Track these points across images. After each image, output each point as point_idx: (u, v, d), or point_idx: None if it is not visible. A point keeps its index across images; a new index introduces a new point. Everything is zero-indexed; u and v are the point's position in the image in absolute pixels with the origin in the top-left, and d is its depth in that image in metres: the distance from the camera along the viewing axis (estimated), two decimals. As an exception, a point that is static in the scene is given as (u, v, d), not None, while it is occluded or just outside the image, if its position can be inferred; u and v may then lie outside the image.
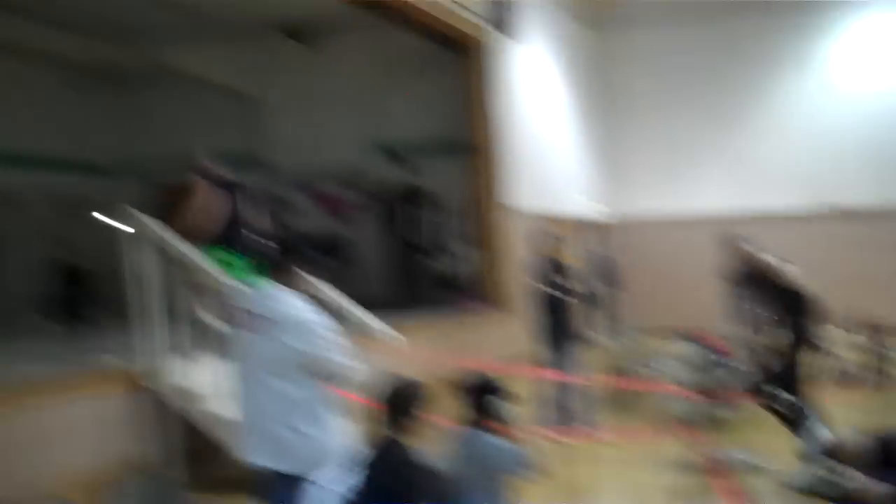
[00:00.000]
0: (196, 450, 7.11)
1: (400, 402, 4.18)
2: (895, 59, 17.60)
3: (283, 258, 4.34)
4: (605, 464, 7.96)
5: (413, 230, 13.53)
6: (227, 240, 7.85)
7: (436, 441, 7.00)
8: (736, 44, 18.18)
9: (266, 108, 16.12)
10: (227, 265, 7.50)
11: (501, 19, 14.35)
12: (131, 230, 7.17)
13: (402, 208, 13.69)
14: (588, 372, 9.09)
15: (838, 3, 17.71)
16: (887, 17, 17.64)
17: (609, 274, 17.31)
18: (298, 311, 4.21)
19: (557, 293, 8.70)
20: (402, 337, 7.30)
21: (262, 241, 7.84)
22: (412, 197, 14.00)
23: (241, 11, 14.46)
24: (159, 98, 16.85)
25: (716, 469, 5.78)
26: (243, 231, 8.03)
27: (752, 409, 9.26)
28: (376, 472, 4.10)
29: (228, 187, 8.15)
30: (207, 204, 7.81)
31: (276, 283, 4.29)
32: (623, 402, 10.25)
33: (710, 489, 6.08)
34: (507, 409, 4.68)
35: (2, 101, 14.73)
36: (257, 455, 4.34)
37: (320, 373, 4.19)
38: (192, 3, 13.82)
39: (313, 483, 4.29)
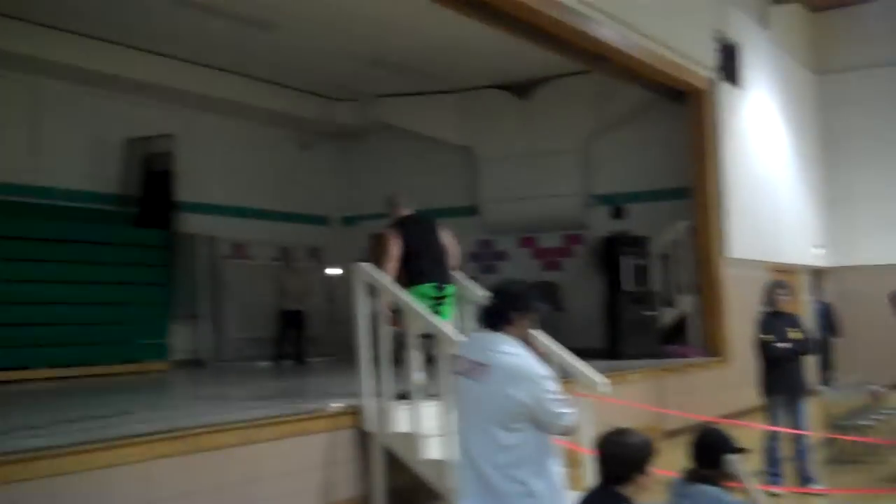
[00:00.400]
0: (407, 491, 7.30)
1: (618, 453, 4.03)
2: None
3: (506, 307, 4.28)
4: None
5: (628, 278, 13.41)
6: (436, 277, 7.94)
7: (654, 495, 6.91)
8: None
9: (482, 160, 16.48)
10: (436, 307, 7.66)
11: (726, 66, 14.18)
12: (355, 278, 7.51)
13: (617, 256, 13.60)
14: (811, 425, 8.70)
15: None
16: None
17: (830, 321, 16.60)
18: (520, 359, 4.18)
19: (782, 343, 8.42)
20: (608, 384, 7.24)
21: (484, 290, 7.99)
22: (628, 245, 13.89)
23: (460, 68, 14.94)
24: (380, 153, 17.59)
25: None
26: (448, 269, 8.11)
27: None
28: None
29: (416, 225, 8.23)
30: (388, 247, 7.92)
31: (497, 331, 4.27)
32: (846, 457, 9.75)
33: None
34: (736, 464, 4.50)
35: (238, 160, 15.84)
36: (475, 501, 4.37)
37: (539, 422, 4.16)
38: (409, 62, 14.42)
39: None
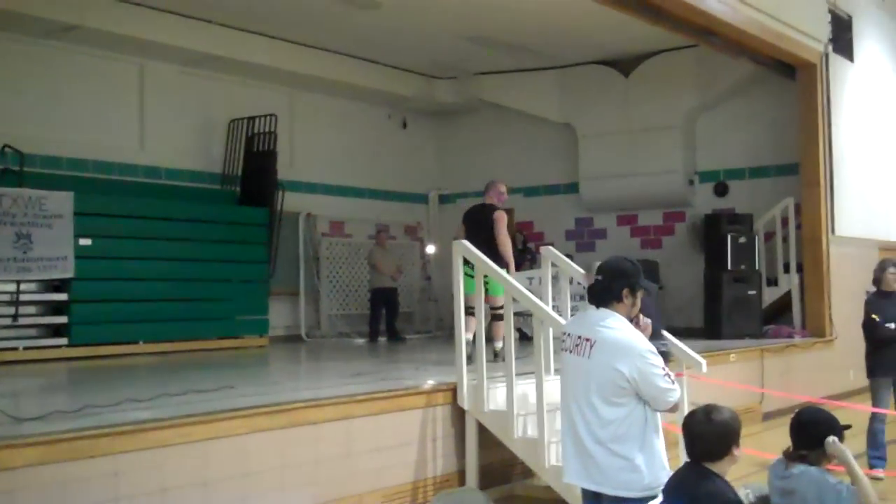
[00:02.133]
0: (499, 467, 7.32)
1: (706, 431, 4.01)
2: None
3: (614, 284, 4.35)
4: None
5: (730, 256, 13.14)
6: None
7: (752, 474, 6.79)
8: None
9: (583, 138, 16.33)
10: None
11: (839, 39, 13.75)
12: (454, 254, 7.56)
13: (719, 234, 13.34)
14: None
15: None
16: None
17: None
18: (626, 333, 4.26)
19: (892, 325, 8.17)
20: (705, 363, 7.13)
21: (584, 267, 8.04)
22: (730, 222, 13.61)
23: (561, 44, 14.79)
24: (479, 131, 17.58)
25: None
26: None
27: None
28: (679, 499, 4.01)
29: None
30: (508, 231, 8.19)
31: (606, 309, 4.34)
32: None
33: None
34: (839, 446, 4.41)
35: (338, 138, 16.03)
36: (578, 476, 4.42)
37: (644, 396, 4.21)
38: (510, 38, 14.33)
39: None
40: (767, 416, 10.83)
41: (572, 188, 16.52)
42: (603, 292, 4.38)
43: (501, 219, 9.25)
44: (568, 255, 8.66)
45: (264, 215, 13.44)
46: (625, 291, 4.34)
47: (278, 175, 13.72)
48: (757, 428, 10.13)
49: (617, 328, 4.27)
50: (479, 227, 9.19)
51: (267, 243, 13.44)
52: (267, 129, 13.80)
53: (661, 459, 4.30)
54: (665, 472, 4.28)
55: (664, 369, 4.24)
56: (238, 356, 11.90)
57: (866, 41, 14.80)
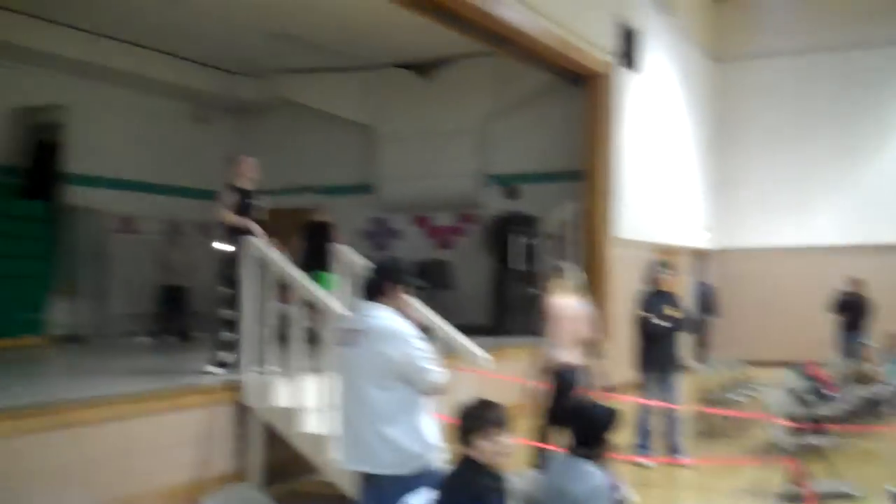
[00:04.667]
0: (282, 465, 7.36)
1: (476, 422, 4.17)
2: None
3: (383, 280, 4.68)
4: (692, 490, 7.93)
5: (518, 257, 13.63)
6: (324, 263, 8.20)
7: (525, 463, 7.09)
8: (858, 75, 17.88)
9: (381, 139, 16.51)
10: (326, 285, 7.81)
11: (626, 51, 14.44)
12: (243, 251, 7.52)
13: (509, 236, 13.82)
14: (683, 399, 9.05)
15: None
16: None
17: (709, 302, 17.23)
18: (392, 322, 4.55)
19: (660, 321, 8.70)
20: (491, 359, 7.40)
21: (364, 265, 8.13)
22: (519, 224, 14.12)
23: (364, 45, 14.88)
24: (279, 129, 17.45)
25: (810, 499, 5.69)
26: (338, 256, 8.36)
27: (849, 440, 9.11)
28: (449, 490, 4.14)
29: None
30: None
31: (376, 303, 4.63)
32: (715, 430, 10.17)
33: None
34: (608, 435, 4.67)
35: (132, 132, 15.50)
36: (354, 460, 4.63)
37: (408, 379, 4.46)
38: (313, 37, 14.31)
39: (399, 486, 4.43)
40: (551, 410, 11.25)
41: (369, 188, 16.68)
42: (372, 287, 4.71)
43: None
44: (366, 256, 8.75)
45: (43, 209, 12.85)
46: (389, 286, 4.67)
47: (66, 168, 13.16)
48: (538, 421, 10.53)
49: (384, 317, 4.58)
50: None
51: (48, 239, 12.87)
52: (54, 120, 13.21)
53: (431, 439, 4.56)
54: (435, 452, 4.56)
55: (428, 352, 4.56)
56: (13, 356, 11.34)
57: (653, 54, 15.63)
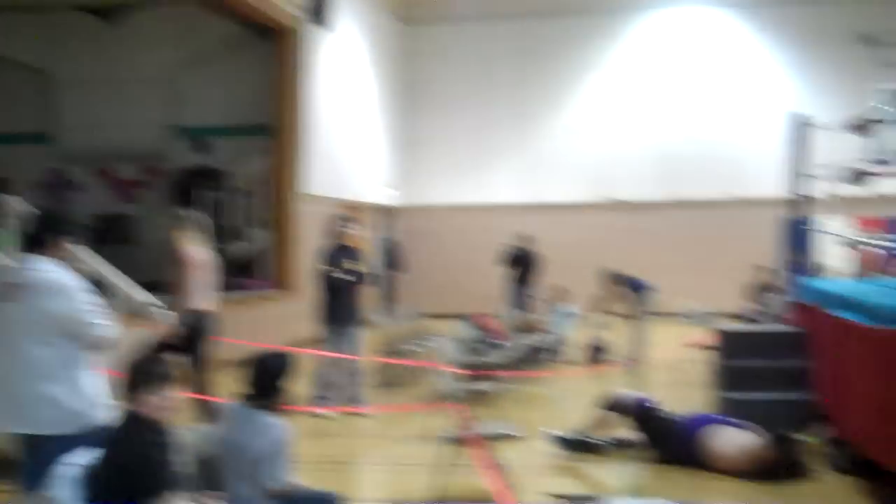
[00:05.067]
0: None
1: (142, 377, 4.04)
2: (676, 65, 18.81)
3: (44, 231, 4.48)
4: (370, 438, 8.24)
5: (206, 211, 13.40)
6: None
7: (196, 417, 7.09)
8: (532, 44, 19.03)
9: (59, 85, 15.56)
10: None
11: (316, 8, 14.45)
12: None
13: (196, 189, 13.57)
14: (363, 351, 9.35)
15: (628, 8, 18.77)
16: (673, 23, 18.83)
17: (394, 257, 17.88)
18: (56, 275, 4.37)
19: (342, 275, 8.87)
20: (171, 314, 7.32)
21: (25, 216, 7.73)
22: (207, 178, 13.91)
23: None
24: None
25: (474, 440, 6.12)
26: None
27: (515, 386, 9.87)
28: (113, 447, 4.04)
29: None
30: None
31: (38, 255, 4.42)
32: (394, 380, 10.64)
33: (468, 459, 6.46)
34: (283, 384, 4.69)
35: None
36: (9, 422, 4.42)
37: (73, 334, 4.32)
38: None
39: (62, 445, 4.28)
40: (234, 365, 11.26)
41: (46, 138, 15.73)
42: (33, 240, 4.51)
43: None
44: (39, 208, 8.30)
45: None
46: (51, 238, 4.49)
47: None
48: (226, 377, 10.52)
49: (46, 270, 4.39)
50: None
51: None
52: None
53: (95, 396, 4.43)
54: (101, 409, 4.40)
55: (95, 305, 4.42)
56: None
57: (344, 13, 15.74)
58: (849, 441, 6.23)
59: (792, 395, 7.50)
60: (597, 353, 12.03)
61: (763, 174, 15.48)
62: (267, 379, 4.70)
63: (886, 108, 8.21)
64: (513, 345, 10.77)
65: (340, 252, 9.03)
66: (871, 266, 12.00)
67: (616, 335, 12.18)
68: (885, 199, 15.21)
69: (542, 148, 19.10)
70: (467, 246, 18.91)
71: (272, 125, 14.24)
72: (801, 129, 8.71)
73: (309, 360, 9.38)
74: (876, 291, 6.84)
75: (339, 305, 8.92)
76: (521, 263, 14.64)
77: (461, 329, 9.48)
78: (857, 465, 6.09)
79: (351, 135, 16.51)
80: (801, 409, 7.33)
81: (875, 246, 11.18)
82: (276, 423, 4.55)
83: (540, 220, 17.78)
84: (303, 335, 12.71)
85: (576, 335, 12.56)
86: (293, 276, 13.74)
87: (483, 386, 8.20)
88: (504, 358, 10.11)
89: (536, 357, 11.41)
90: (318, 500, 4.69)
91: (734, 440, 6.43)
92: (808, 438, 6.70)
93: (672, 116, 18.71)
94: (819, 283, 8.45)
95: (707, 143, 18.46)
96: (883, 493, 5.68)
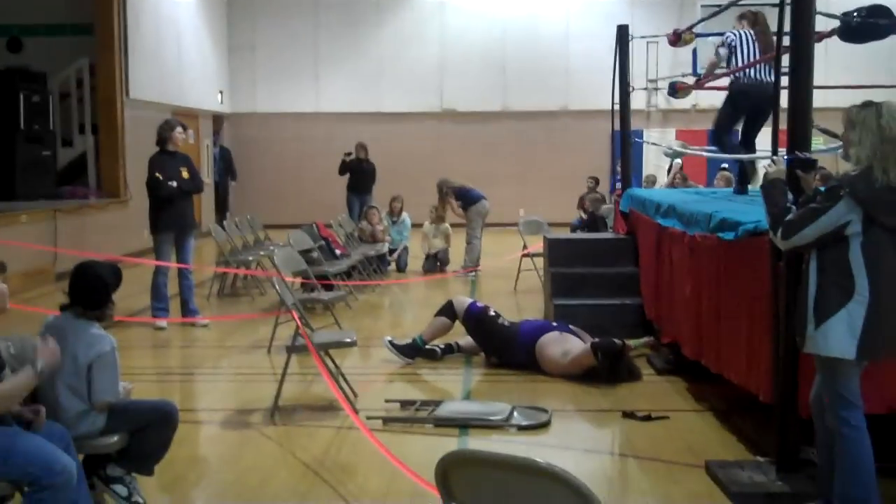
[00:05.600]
0: None
1: None
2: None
3: None
4: (210, 348, 8.17)
5: (23, 116, 12.72)
6: None
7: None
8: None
9: None
10: None
11: None
12: None
13: (12, 92, 12.79)
14: (196, 260, 9.22)
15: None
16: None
17: (227, 165, 17.60)
18: None
19: (173, 183, 8.63)
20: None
21: None
22: (24, 81, 13.12)
23: None
24: None
25: (313, 349, 6.15)
26: None
27: (353, 294, 9.98)
28: None
29: None
30: None
31: None
32: (232, 289, 10.57)
33: (307, 368, 6.51)
34: (110, 295, 4.54)
35: None
36: None
37: None
38: None
39: None
40: (61, 277, 10.90)
41: None
42: None
43: None
44: None
45: None
46: None
47: None
48: (50, 288, 10.19)
49: None
50: None
51: None
52: None
53: None
54: None
55: None
56: None
57: None
58: (673, 343, 6.58)
59: (620, 301, 7.84)
60: (434, 262, 12.23)
61: (596, 86, 15.83)
62: (92, 289, 4.50)
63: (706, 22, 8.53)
64: (351, 254, 10.84)
65: (170, 158, 8.78)
66: (690, 176, 12.62)
67: (452, 244, 12.41)
68: (703, 113, 16.01)
69: (377, 56, 18.95)
70: (304, 154, 18.73)
71: (92, 24, 13.52)
72: (625, 41, 8.91)
73: (142, 271, 9.18)
74: (693, 200, 7.19)
75: (169, 214, 8.70)
76: (358, 172, 14.61)
77: (299, 238, 9.43)
78: (681, 366, 6.46)
79: (178, 38, 15.91)
80: (630, 314, 7.67)
81: (694, 156, 11.71)
82: (102, 335, 4.38)
83: (376, 129, 17.73)
84: (134, 245, 12.41)
85: (413, 244, 12.73)
86: (122, 183, 13.29)
87: (322, 295, 8.23)
88: (342, 267, 10.17)
89: (375, 266, 11.53)
90: (154, 410, 4.61)
91: (563, 345, 6.69)
92: (636, 342, 7.04)
93: (507, 27, 18.85)
94: (644, 193, 8.81)
95: (541, 54, 18.73)
96: (704, 392, 6.06)
